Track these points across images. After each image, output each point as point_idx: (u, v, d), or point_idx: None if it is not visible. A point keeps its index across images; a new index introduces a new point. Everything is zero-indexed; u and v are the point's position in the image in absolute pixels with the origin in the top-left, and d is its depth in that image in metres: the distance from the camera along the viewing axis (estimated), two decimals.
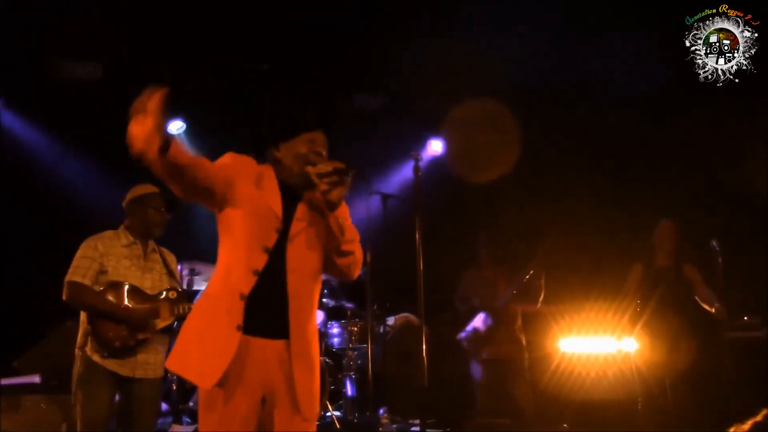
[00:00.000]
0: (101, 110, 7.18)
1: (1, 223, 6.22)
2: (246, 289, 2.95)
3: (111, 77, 7.27)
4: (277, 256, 3.02)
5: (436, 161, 8.23)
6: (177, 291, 4.45)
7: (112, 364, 4.24)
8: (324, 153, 3.14)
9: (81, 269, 4.32)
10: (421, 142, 8.12)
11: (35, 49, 6.81)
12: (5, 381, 5.50)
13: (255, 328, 2.97)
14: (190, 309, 4.40)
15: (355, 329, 6.71)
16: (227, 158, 3.11)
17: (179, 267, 5.84)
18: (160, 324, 4.36)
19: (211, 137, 7.54)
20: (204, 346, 2.94)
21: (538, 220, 6.97)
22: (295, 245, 3.05)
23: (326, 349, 6.68)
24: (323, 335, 6.66)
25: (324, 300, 6.79)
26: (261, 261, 2.99)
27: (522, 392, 6.13)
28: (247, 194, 3.05)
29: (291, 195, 3.13)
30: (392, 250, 6.36)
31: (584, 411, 5.97)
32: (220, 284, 3.03)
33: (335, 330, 6.74)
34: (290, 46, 7.23)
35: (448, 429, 6.13)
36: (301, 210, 3.12)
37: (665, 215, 6.69)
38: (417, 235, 4.37)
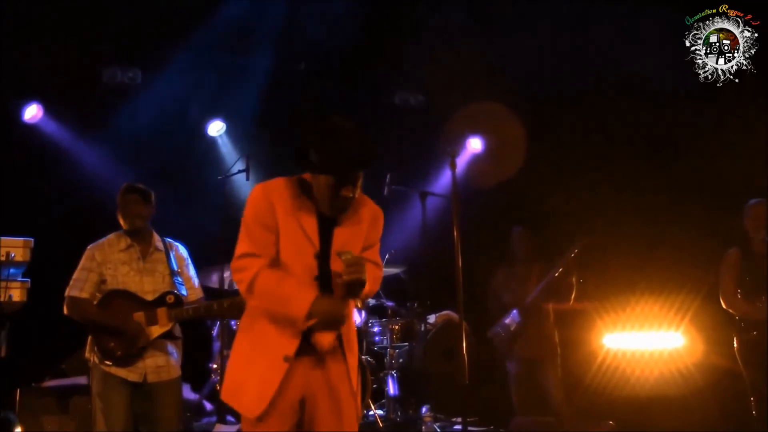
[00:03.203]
0: (143, 115, 7.31)
1: (48, 228, 6.33)
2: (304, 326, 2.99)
3: (151, 82, 7.36)
4: (322, 273, 3.05)
5: (477, 159, 8.16)
6: (175, 295, 4.40)
7: (119, 372, 4.27)
8: (350, 195, 3.03)
9: (79, 282, 4.39)
10: (461, 141, 8.06)
11: (75, 54, 6.92)
12: (54, 382, 5.60)
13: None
14: (188, 314, 4.40)
15: (396, 328, 6.69)
16: (257, 202, 3.07)
17: (223, 271, 5.87)
18: (158, 330, 4.34)
19: (251, 136, 7.60)
20: (251, 375, 3.02)
21: (582, 214, 6.89)
22: (336, 264, 3.04)
23: (368, 348, 6.67)
24: (365, 334, 6.65)
25: None
26: (314, 291, 3.01)
27: (554, 390, 6.07)
28: (286, 230, 3.05)
29: (328, 219, 3.09)
30: (433, 248, 6.34)
31: (630, 408, 5.88)
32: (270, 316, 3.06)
33: (376, 329, 6.72)
34: (329, 45, 7.26)
35: (492, 427, 6.08)
36: (340, 229, 3.10)
37: (711, 208, 6.55)
38: (455, 232, 4.33)
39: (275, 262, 3.04)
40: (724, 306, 5.52)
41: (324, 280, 3.05)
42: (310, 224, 3.07)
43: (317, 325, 2.97)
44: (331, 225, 3.08)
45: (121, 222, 4.52)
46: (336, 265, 3.02)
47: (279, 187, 3.11)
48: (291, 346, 2.99)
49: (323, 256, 3.06)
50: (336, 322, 2.99)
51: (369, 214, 3.19)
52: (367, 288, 3.03)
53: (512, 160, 7.64)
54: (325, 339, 3.02)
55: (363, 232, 3.14)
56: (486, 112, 7.71)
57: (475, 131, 8.10)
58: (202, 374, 6.52)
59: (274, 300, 2.99)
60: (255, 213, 3.06)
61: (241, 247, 3.06)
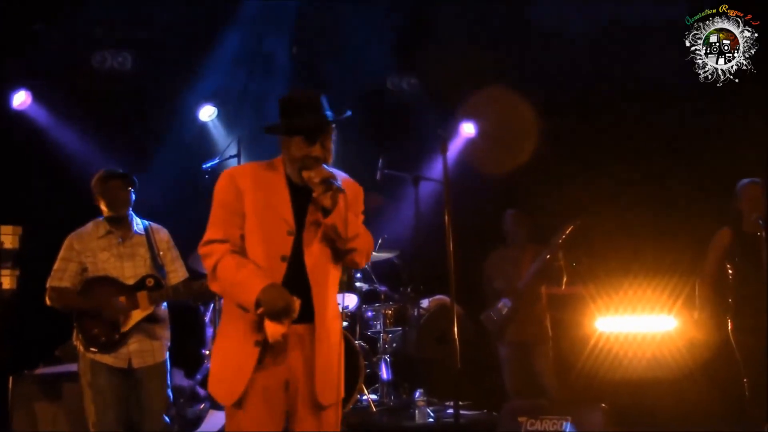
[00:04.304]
0: (133, 100, 7.25)
1: (38, 216, 6.30)
2: (255, 315, 2.96)
3: (141, 67, 7.29)
4: (295, 250, 3.03)
5: (470, 144, 8.14)
6: (155, 278, 4.41)
7: (105, 358, 4.30)
8: (321, 155, 3.05)
9: (59, 272, 4.41)
10: (454, 125, 8.04)
11: (64, 39, 6.85)
12: (47, 369, 5.59)
13: None
14: (169, 295, 4.41)
15: (390, 312, 6.69)
16: (223, 186, 3.10)
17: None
18: (140, 314, 4.35)
19: (242, 121, 7.56)
20: (227, 363, 3.03)
21: (576, 199, 6.88)
22: (310, 236, 3.05)
23: (361, 333, 6.68)
24: (358, 319, 6.66)
25: (358, 284, 6.77)
26: (281, 271, 3.01)
27: (546, 374, 6.13)
28: (255, 208, 3.05)
29: (301, 190, 3.09)
30: (426, 233, 6.33)
31: (623, 391, 5.90)
32: None
33: (369, 313, 6.72)
34: (318, 29, 7.22)
35: (485, 410, 6.11)
36: (313, 204, 3.09)
37: (705, 192, 6.54)
38: (446, 216, 4.31)
39: (242, 246, 3.05)
40: (697, 283, 5.54)
41: (297, 258, 3.03)
42: (283, 201, 3.07)
43: (266, 314, 2.93)
44: (306, 200, 3.07)
45: (104, 209, 4.50)
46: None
47: (246, 170, 3.17)
48: (261, 330, 2.97)
49: (299, 231, 3.05)
50: (281, 312, 2.91)
51: (347, 189, 3.15)
52: (344, 217, 2.99)
53: (507, 145, 7.62)
54: (274, 329, 2.93)
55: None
56: (480, 97, 7.69)
57: (468, 116, 8.07)
58: (195, 360, 6.52)
59: (230, 287, 3.00)
60: (221, 197, 3.10)
61: (207, 233, 3.09)
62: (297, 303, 2.92)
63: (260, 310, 2.91)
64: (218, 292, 3.11)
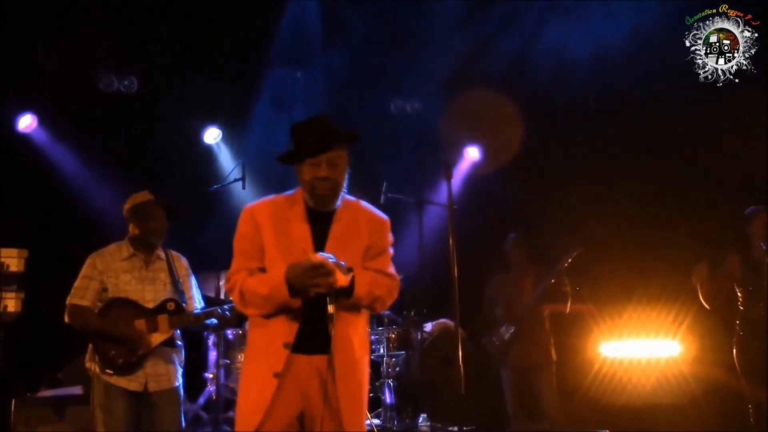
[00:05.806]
0: (138, 123, 7.30)
1: (42, 241, 6.31)
2: (290, 337, 3.02)
3: (147, 90, 7.34)
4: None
5: (475, 168, 8.15)
6: (175, 302, 4.41)
7: (120, 381, 4.28)
8: (324, 174, 3.05)
9: (80, 290, 4.39)
10: (459, 150, 8.06)
11: (70, 62, 6.90)
12: (49, 392, 5.59)
13: (296, 346, 3.03)
14: (189, 320, 4.41)
15: (393, 336, 6.67)
16: (244, 222, 3.16)
17: (219, 279, 5.86)
18: (159, 337, 4.34)
19: (247, 143, 7.60)
20: (248, 395, 3.07)
21: (580, 223, 6.88)
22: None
23: None
24: None
25: None
26: (299, 302, 3.01)
27: (549, 398, 6.06)
28: (274, 241, 3.09)
29: (321, 219, 3.12)
30: (429, 256, 6.34)
31: (626, 416, 5.88)
32: (261, 330, 3.11)
33: (373, 337, 6.70)
34: (322, 51, 7.27)
35: None
36: (335, 231, 3.12)
37: (707, 215, 6.54)
38: (451, 241, 4.32)
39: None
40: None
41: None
42: (302, 233, 3.09)
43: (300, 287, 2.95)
44: (325, 230, 3.10)
45: (137, 230, 4.49)
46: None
47: (265, 204, 3.20)
48: (279, 361, 3.00)
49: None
50: (308, 277, 2.91)
51: (367, 219, 3.20)
52: (363, 291, 3.02)
53: (511, 167, 7.63)
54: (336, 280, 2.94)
55: (361, 237, 3.14)
56: (482, 120, 7.71)
57: (472, 139, 8.09)
58: (198, 384, 6.50)
59: (258, 293, 3.04)
60: (240, 232, 3.17)
61: (230, 269, 3.17)
62: (314, 257, 2.92)
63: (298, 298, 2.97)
64: (255, 312, 3.10)
